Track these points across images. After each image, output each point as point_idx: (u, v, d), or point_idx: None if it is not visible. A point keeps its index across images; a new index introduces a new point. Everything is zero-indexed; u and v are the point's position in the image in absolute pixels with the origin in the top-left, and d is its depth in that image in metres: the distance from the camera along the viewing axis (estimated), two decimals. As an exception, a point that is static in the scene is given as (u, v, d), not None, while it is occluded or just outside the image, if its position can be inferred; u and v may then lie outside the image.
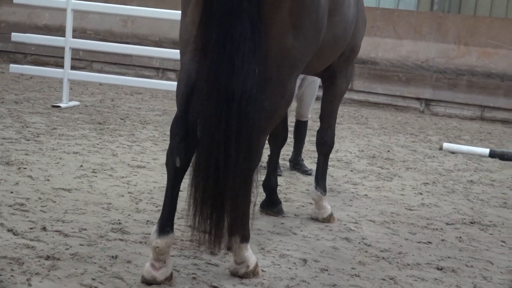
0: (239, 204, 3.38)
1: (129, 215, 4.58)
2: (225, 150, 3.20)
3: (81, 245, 3.90)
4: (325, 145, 4.86)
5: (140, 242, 4.05)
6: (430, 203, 5.72)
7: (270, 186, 4.96)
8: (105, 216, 4.50)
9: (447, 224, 5.13)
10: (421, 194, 6.04)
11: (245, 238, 3.59)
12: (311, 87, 6.42)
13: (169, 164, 3.38)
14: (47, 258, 3.63)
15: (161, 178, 5.72)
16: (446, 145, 8.70)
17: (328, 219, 4.84)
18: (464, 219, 5.31)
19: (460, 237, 4.81)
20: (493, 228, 5.14)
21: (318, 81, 6.35)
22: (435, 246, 4.54)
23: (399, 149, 8.42)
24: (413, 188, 6.27)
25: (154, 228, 3.42)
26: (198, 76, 3.29)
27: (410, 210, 5.45)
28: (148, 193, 5.21)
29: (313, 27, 3.52)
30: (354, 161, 7.32)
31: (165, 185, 5.29)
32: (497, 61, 12.03)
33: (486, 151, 8.52)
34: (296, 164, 6.56)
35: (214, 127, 3.19)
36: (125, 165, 6.07)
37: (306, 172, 6.44)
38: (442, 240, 4.70)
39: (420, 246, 4.52)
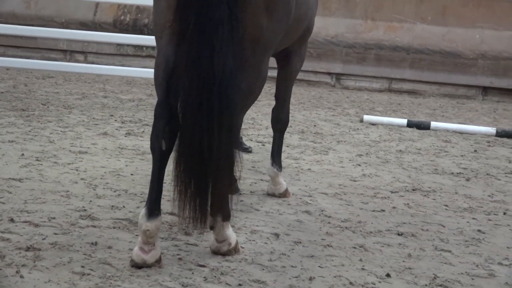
0: (223, 182, 3.47)
1: (90, 201, 4.57)
2: (208, 131, 3.28)
3: (55, 234, 3.87)
4: (280, 122, 5.02)
5: (114, 228, 4.06)
6: (371, 173, 6.01)
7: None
8: (68, 204, 4.47)
9: (392, 192, 5.42)
10: (359, 165, 6.32)
11: (226, 217, 3.69)
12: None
13: (155, 148, 3.42)
14: (27, 249, 3.60)
15: (107, 162, 5.70)
16: (366, 117, 9.06)
17: (284, 194, 5.01)
18: (406, 186, 5.63)
19: (408, 203, 5.11)
20: (434, 193, 5.49)
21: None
22: (389, 214, 4.81)
23: (324, 123, 8.70)
24: (349, 160, 6.54)
25: (142, 212, 3.46)
26: (177, 59, 3.35)
27: (355, 181, 5.71)
28: (101, 178, 5.19)
29: (285, 8, 3.65)
30: (286, 136, 7.49)
31: (115, 170, 5.34)
32: (402, 35, 12.56)
33: (404, 121, 8.96)
34: (235, 142, 6.67)
35: (197, 110, 3.27)
36: (67, 151, 5.99)
37: (246, 150, 6.57)
38: (393, 207, 4.98)
39: (375, 214, 4.77)
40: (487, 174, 6.33)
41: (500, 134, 8.67)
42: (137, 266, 3.44)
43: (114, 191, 4.86)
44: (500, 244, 4.29)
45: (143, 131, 7.23)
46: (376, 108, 10.61)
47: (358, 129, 8.39)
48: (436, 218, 4.77)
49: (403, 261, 3.86)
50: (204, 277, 3.38)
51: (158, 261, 3.47)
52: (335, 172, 5.98)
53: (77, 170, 5.38)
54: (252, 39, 3.50)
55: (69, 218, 4.16)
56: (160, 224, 3.50)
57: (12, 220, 4.03)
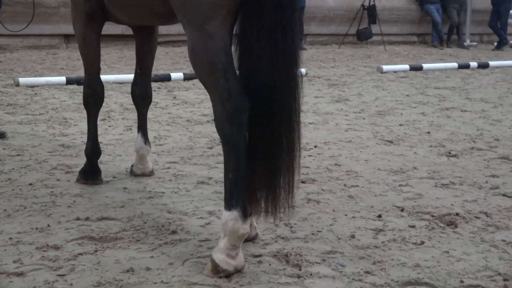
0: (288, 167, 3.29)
1: (21, 223, 3.66)
2: (294, 112, 3.15)
3: (75, 272, 3.11)
4: (149, 97, 4.65)
5: (98, 251, 3.39)
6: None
7: (97, 153, 4.50)
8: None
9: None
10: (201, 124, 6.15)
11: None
12: None
13: (241, 142, 3.05)
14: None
15: None
16: (22, 80, 8.38)
17: (152, 171, 4.72)
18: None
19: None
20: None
21: None
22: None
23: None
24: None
25: (232, 216, 3.05)
26: (248, 42, 3.06)
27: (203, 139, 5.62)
28: None
29: None
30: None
31: None
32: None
33: (63, 79, 8.61)
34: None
35: (285, 91, 3.09)
36: None
37: (2, 136, 5.66)
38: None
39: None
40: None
41: (153, 79, 9.14)
42: (228, 274, 3.09)
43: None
44: (368, 171, 5.03)
45: None
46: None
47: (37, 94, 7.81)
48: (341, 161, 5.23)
49: (355, 203, 4.27)
50: (297, 264, 3.26)
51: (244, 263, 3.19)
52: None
53: None
54: None
55: (41, 253, 3.31)
56: None
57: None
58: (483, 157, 5.55)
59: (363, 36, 15.00)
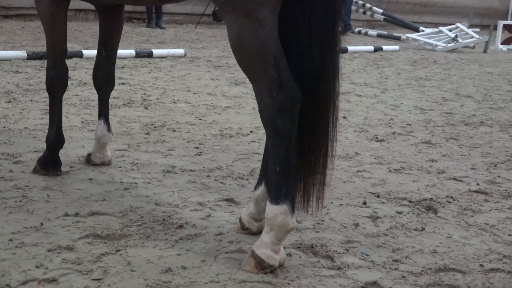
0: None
1: (7, 221, 3.24)
2: (333, 100, 3.12)
3: (111, 274, 2.86)
4: (113, 81, 4.33)
5: (114, 252, 3.16)
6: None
7: (61, 141, 4.13)
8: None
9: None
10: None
11: None
12: None
13: (293, 133, 2.95)
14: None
15: None
16: None
17: (110, 160, 4.43)
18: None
19: (217, 144, 5.22)
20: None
21: None
22: (218, 154, 4.91)
23: None
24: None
25: (281, 209, 2.94)
26: (299, 29, 2.97)
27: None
28: None
29: None
30: None
31: None
32: None
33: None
34: None
35: (330, 80, 3.05)
36: None
37: None
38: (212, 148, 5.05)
39: (215, 155, 4.82)
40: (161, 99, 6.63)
41: (31, 56, 8.56)
42: (273, 269, 3.02)
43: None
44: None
45: None
46: None
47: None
48: (251, 147, 5.14)
49: (331, 190, 4.26)
50: (327, 256, 3.24)
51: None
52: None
53: None
54: None
55: (57, 255, 2.99)
56: None
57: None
58: (408, 142, 5.82)
59: (219, 17, 14.93)
